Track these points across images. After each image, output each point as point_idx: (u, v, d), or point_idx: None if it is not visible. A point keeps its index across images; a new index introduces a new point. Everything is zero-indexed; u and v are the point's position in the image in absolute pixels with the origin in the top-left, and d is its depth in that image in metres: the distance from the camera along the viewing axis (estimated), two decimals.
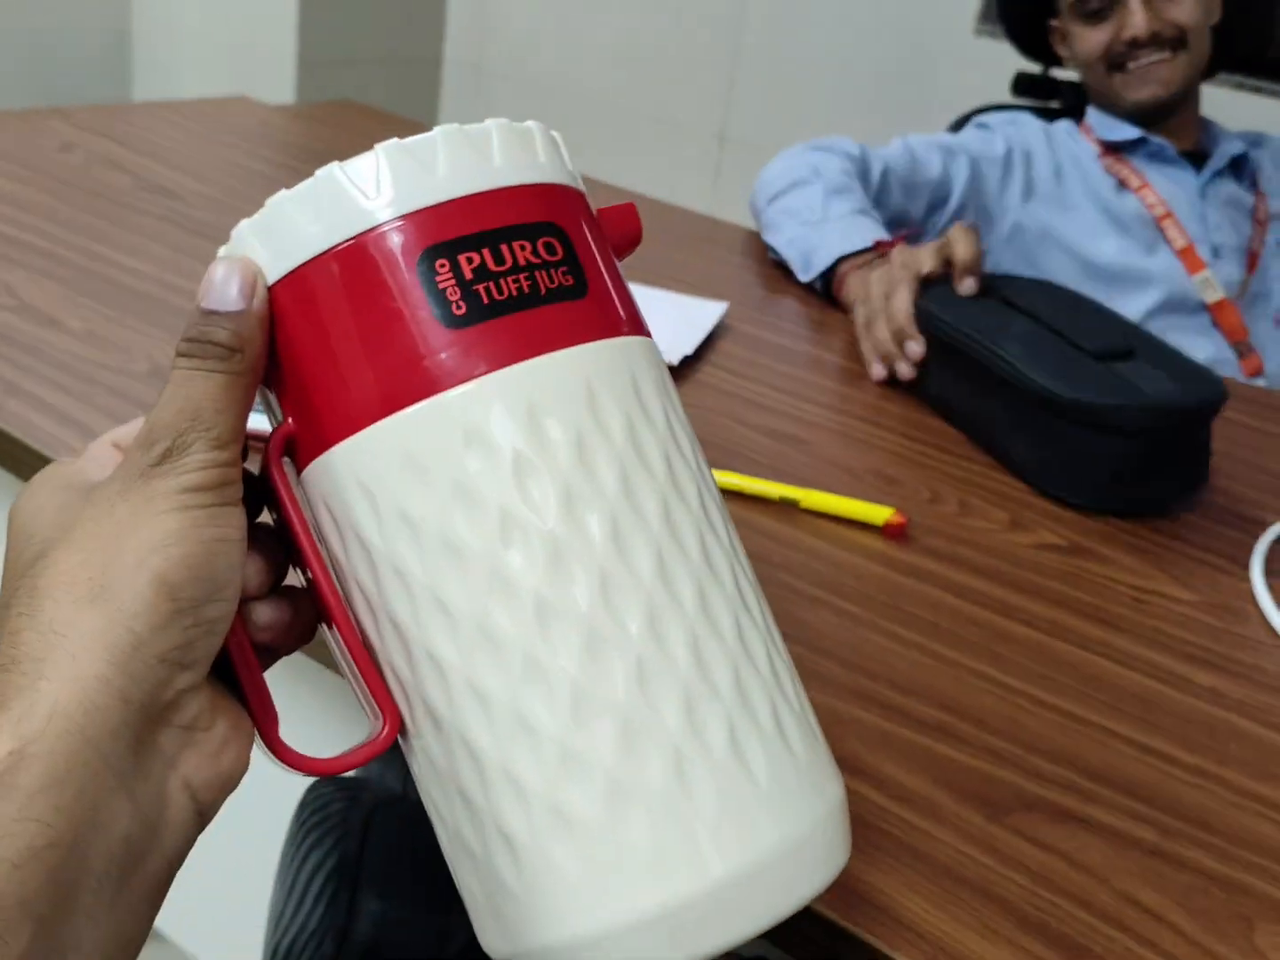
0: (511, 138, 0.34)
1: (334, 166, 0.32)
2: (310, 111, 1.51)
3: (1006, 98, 1.62)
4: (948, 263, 0.88)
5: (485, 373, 0.31)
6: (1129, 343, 0.76)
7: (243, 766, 0.33)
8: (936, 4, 2.25)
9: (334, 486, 0.32)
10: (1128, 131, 1.35)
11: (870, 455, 0.79)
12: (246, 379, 0.33)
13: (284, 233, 0.33)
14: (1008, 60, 1.61)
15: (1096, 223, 1.33)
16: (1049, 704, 0.55)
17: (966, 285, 0.84)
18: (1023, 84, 1.62)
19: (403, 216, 0.32)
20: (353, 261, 0.32)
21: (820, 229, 1.09)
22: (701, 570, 0.32)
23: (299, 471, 0.34)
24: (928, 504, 0.73)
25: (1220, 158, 1.37)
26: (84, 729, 0.28)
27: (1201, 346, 1.31)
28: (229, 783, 0.32)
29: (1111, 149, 1.36)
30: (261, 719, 0.33)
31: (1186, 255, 1.32)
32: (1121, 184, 1.34)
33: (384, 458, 0.31)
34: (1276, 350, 1.33)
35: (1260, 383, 1.30)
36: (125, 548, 0.30)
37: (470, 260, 0.32)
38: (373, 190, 0.32)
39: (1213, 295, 1.31)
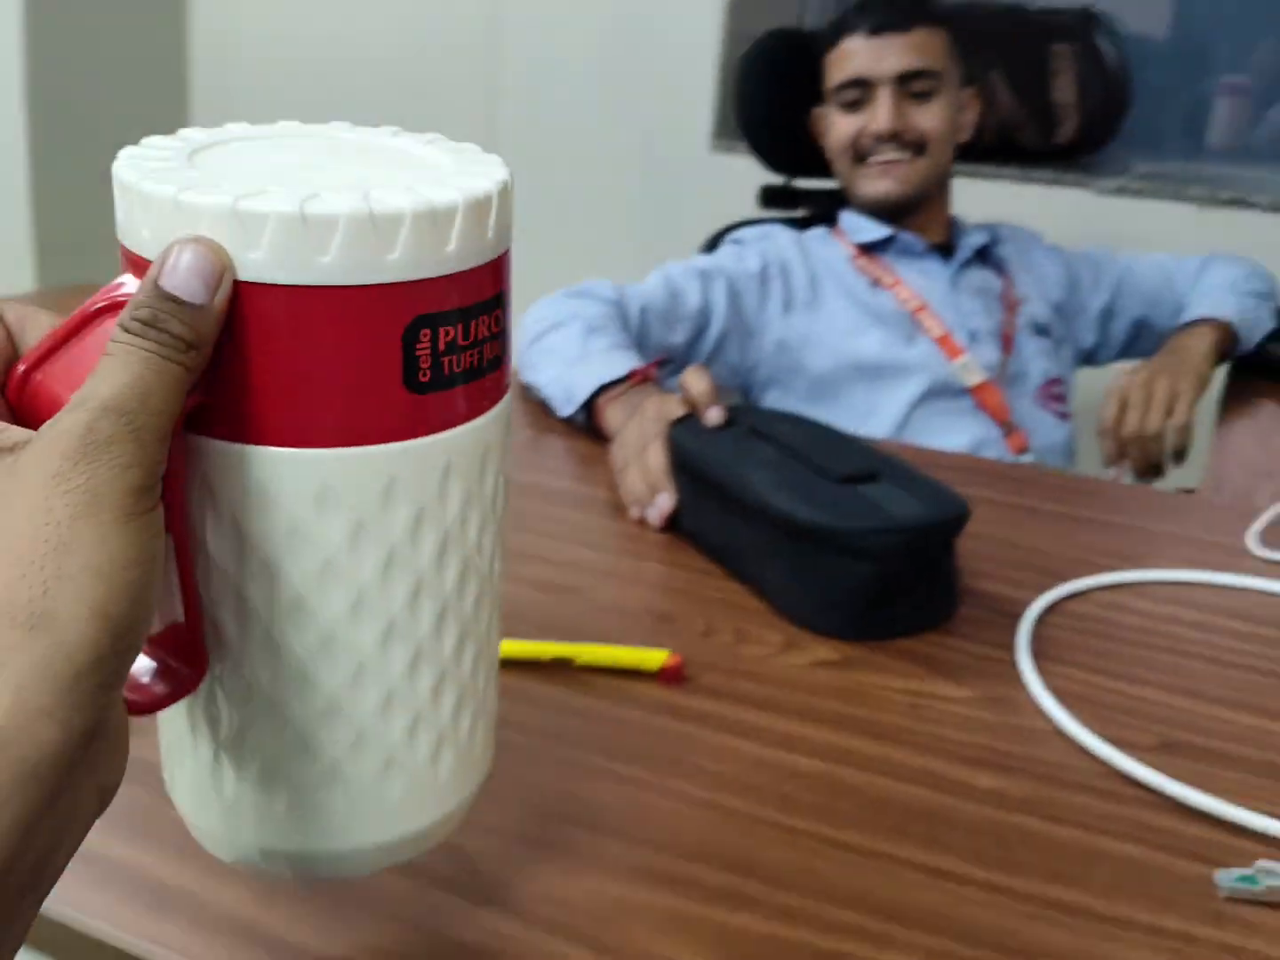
0: (504, 202, 0.35)
1: (363, 206, 0.31)
2: (51, 301, 1.44)
3: (748, 211, 1.68)
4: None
5: (421, 435, 0.34)
6: (872, 466, 0.76)
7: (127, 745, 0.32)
8: (673, 126, 2.33)
9: (232, 473, 0.33)
10: (877, 231, 1.42)
11: (644, 593, 0.78)
12: (194, 376, 0.31)
13: (287, 246, 0.31)
14: (747, 175, 1.67)
15: (856, 320, 1.38)
16: (837, 841, 0.54)
17: (712, 415, 0.85)
18: (768, 196, 1.67)
19: (414, 281, 0.32)
20: (348, 307, 0.32)
21: (579, 364, 1.09)
22: (470, 624, 0.39)
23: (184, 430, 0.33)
24: (702, 637, 0.72)
25: (966, 249, 1.45)
26: (26, 759, 0.27)
27: (969, 428, 1.36)
28: (125, 765, 0.32)
29: (864, 250, 1.42)
30: None
31: (944, 343, 1.37)
32: (876, 283, 1.40)
33: (302, 477, 0.33)
34: (1039, 427, 1.40)
35: (1027, 458, 1.36)
36: (66, 569, 0.27)
37: (447, 334, 0.33)
38: (395, 245, 0.32)
39: (973, 378, 1.37)
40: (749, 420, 0.85)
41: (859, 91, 1.39)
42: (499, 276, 0.35)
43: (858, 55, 1.39)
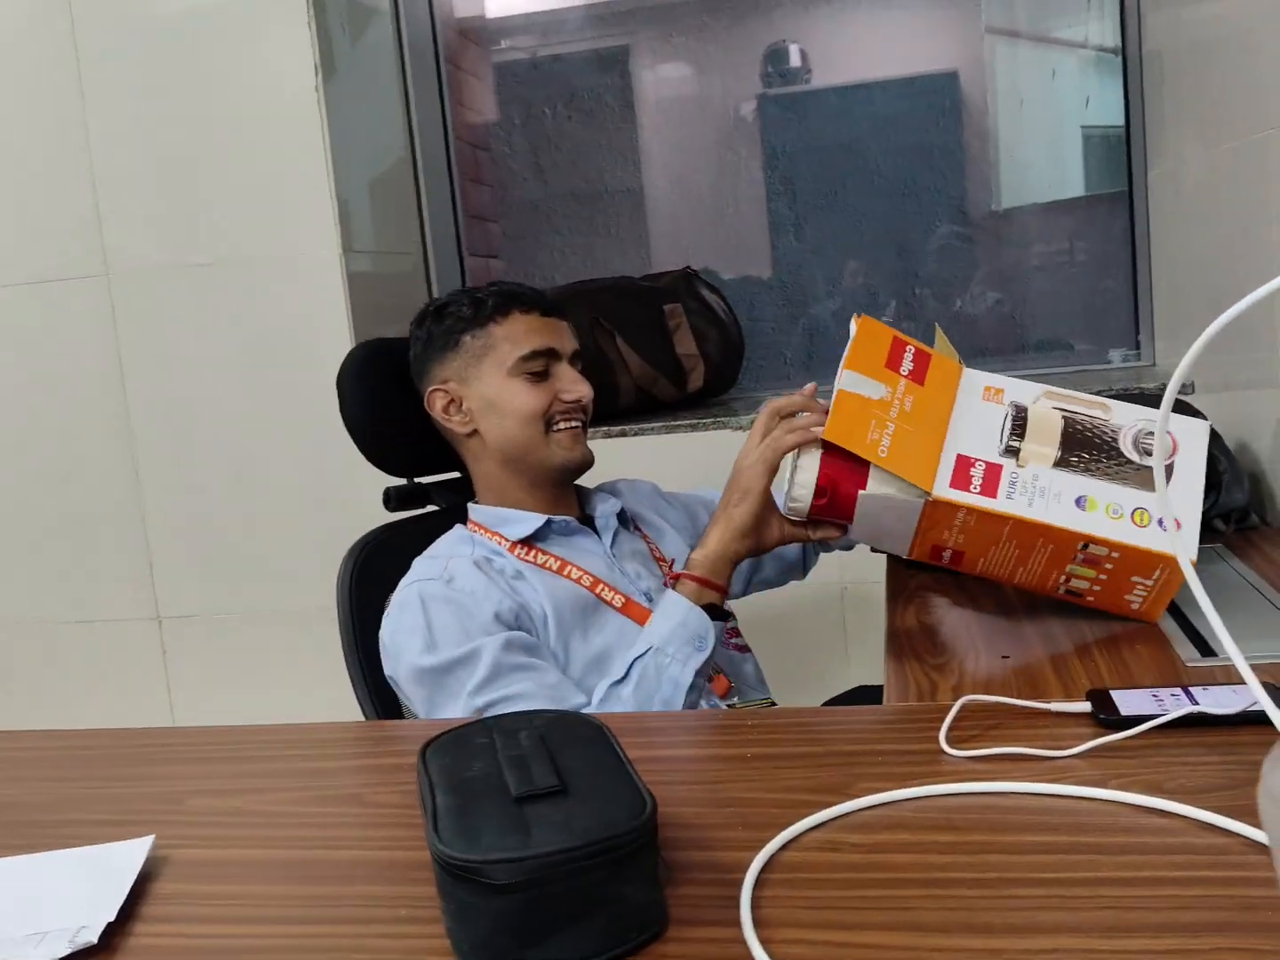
0: None
1: None
2: None
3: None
4: None
5: None
6: (565, 780, 0.70)
7: None
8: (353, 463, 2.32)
9: None
10: (534, 520, 1.40)
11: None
12: None
13: None
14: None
15: (556, 617, 1.33)
16: None
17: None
18: (394, 498, 1.60)
19: None
20: None
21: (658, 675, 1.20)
22: None
23: None
24: None
25: (606, 518, 1.46)
26: None
27: None
28: None
29: (524, 543, 1.39)
30: None
31: (629, 609, 1.36)
32: (547, 570, 1.37)
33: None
34: (727, 667, 1.40)
35: (734, 699, 1.36)
36: None
37: None
38: None
39: None
40: (503, 726, 0.79)
41: (544, 362, 1.41)
42: None
43: (541, 330, 1.42)
